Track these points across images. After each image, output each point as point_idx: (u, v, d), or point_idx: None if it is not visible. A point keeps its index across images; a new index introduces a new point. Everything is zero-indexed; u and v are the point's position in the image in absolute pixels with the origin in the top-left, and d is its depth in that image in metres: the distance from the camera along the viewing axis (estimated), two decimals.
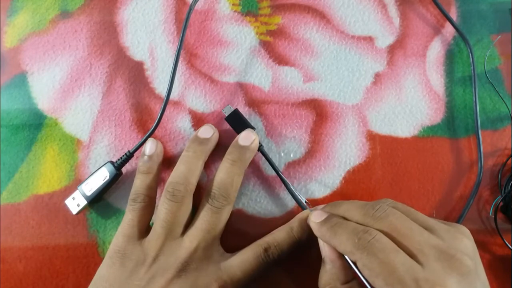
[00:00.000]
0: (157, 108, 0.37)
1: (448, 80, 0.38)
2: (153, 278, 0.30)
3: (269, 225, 0.35)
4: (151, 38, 0.39)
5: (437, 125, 0.37)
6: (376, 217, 0.27)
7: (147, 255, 0.31)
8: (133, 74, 0.38)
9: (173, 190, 0.31)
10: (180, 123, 0.37)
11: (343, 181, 0.36)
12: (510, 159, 0.36)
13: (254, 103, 0.38)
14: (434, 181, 0.36)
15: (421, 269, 0.24)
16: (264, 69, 0.38)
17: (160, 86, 0.38)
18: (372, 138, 0.37)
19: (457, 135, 0.37)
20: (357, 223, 0.28)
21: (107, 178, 0.34)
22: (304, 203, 0.34)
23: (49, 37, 0.39)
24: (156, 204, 0.34)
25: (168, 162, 0.36)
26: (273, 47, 0.39)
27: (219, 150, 0.36)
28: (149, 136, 0.35)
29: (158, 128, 0.36)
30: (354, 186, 0.36)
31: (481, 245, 0.35)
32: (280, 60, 0.39)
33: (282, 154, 0.37)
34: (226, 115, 0.35)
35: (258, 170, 0.36)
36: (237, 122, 0.35)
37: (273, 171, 0.35)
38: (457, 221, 0.35)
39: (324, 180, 0.36)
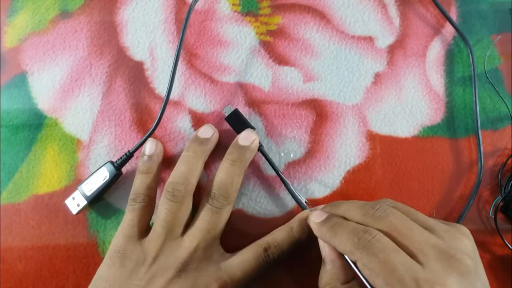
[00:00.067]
0: (157, 108, 0.37)
1: (448, 80, 0.38)
2: (153, 278, 0.30)
3: (269, 225, 0.35)
4: (151, 38, 0.39)
5: (437, 125, 0.37)
6: (376, 217, 0.27)
7: (147, 255, 0.31)
8: (133, 74, 0.38)
9: (173, 190, 0.31)
10: (180, 123, 0.37)
11: (343, 181, 0.36)
12: (510, 159, 0.36)
13: (254, 103, 0.38)
14: (434, 181, 0.36)
15: (421, 269, 0.24)
16: (264, 69, 0.38)
17: (160, 86, 0.38)
18: (372, 138, 0.37)
19: (457, 135, 0.37)
20: (357, 223, 0.28)
21: (107, 178, 0.34)
22: (304, 203, 0.34)
23: (49, 37, 0.39)
24: (156, 204, 0.34)
25: (168, 162, 0.36)
26: (273, 47, 0.39)
27: (219, 150, 0.36)
28: (149, 136, 0.35)
29: (158, 128, 0.36)
30: (354, 186, 0.36)
31: (481, 245, 0.35)
32: (280, 60, 0.39)
33: (282, 154, 0.37)
34: (226, 115, 0.35)
35: (258, 170, 0.36)
36: (237, 122, 0.35)
37: (273, 171, 0.35)
38: (457, 221, 0.35)
39: (324, 180, 0.36)
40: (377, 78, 0.38)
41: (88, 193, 0.34)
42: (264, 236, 0.33)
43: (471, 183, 0.36)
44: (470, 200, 0.35)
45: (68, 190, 0.36)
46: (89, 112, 0.37)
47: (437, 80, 0.38)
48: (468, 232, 0.27)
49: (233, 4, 0.40)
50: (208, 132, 0.34)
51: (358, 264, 0.26)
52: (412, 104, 0.38)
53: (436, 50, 0.39)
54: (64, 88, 0.38)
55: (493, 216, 0.35)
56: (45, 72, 0.38)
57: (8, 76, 0.38)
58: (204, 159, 0.34)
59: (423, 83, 0.38)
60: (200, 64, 0.38)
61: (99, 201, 0.36)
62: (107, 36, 0.39)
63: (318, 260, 0.30)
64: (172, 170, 0.33)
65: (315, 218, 0.30)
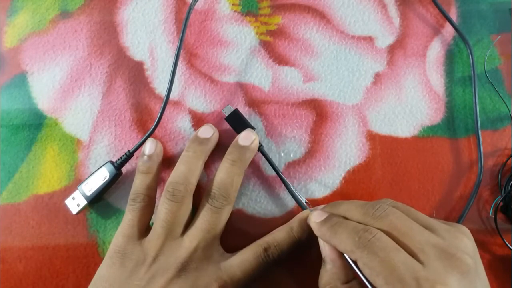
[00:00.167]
0: (157, 108, 0.37)
1: (448, 80, 0.38)
2: (153, 278, 0.30)
3: (269, 225, 0.35)
4: (151, 38, 0.39)
5: (437, 125, 0.37)
6: (376, 216, 0.27)
7: (147, 255, 0.31)
8: (133, 74, 0.38)
9: (173, 190, 0.31)
10: (180, 123, 0.37)
11: (343, 181, 0.36)
12: (510, 159, 0.36)
13: (254, 103, 0.38)
14: (434, 181, 0.36)
15: (422, 268, 0.24)
16: (264, 69, 0.38)
17: (160, 86, 0.38)
18: (372, 138, 0.37)
19: (457, 135, 0.37)
20: (358, 222, 0.28)
21: (107, 178, 0.34)
22: (304, 203, 0.34)
23: (49, 37, 0.39)
24: (156, 204, 0.34)
25: (168, 162, 0.36)
26: (273, 47, 0.39)
27: (219, 150, 0.36)
28: (149, 136, 0.35)
29: (158, 128, 0.36)
30: (354, 186, 0.36)
31: (481, 245, 0.35)
32: (280, 60, 0.39)
33: (282, 154, 0.37)
34: (226, 115, 0.35)
35: (258, 170, 0.36)
36: (237, 122, 0.35)
37: (273, 171, 0.35)
38: (457, 221, 0.35)
39: (324, 180, 0.36)
40: (377, 78, 0.38)
41: (88, 193, 0.34)
42: (264, 236, 0.33)
43: (471, 183, 0.36)
44: (470, 200, 0.35)
45: (68, 190, 0.36)
46: (89, 112, 0.37)
47: (437, 80, 0.38)
48: (468, 231, 0.27)
49: (233, 4, 0.40)
50: (208, 132, 0.34)
51: (358, 263, 0.26)
52: (412, 104, 0.38)
53: (436, 50, 0.39)
54: (64, 88, 0.38)
55: (493, 216, 0.35)
56: (45, 72, 0.38)
57: (8, 76, 0.38)
58: (204, 159, 0.34)
59: (423, 83, 0.38)
60: (200, 64, 0.38)
61: (99, 201, 0.36)
62: (107, 36, 0.39)
63: (318, 260, 0.30)
64: (172, 170, 0.33)
65: (315, 218, 0.30)
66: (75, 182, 0.36)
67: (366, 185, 0.36)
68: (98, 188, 0.34)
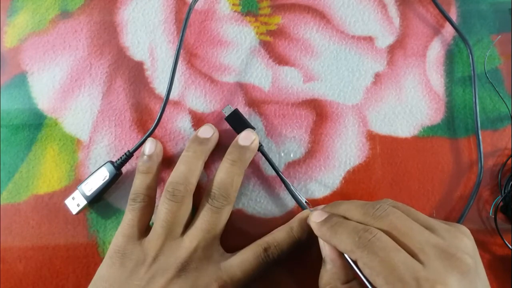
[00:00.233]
0: (157, 108, 0.37)
1: (448, 80, 0.38)
2: (153, 278, 0.30)
3: (269, 225, 0.35)
4: (151, 38, 0.39)
5: (437, 125, 0.37)
6: (376, 216, 0.27)
7: (147, 255, 0.31)
8: (133, 74, 0.38)
9: (173, 190, 0.31)
10: (180, 123, 0.37)
11: (343, 181, 0.36)
12: (510, 159, 0.36)
13: (254, 103, 0.38)
14: (434, 181, 0.36)
15: (422, 267, 0.24)
16: (264, 69, 0.38)
17: (160, 86, 0.38)
18: (372, 138, 0.37)
19: (457, 135, 0.37)
20: (358, 222, 0.28)
21: (107, 178, 0.34)
22: (304, 203, 0.34)
23: (49, 37, 0.39)
24: (156, 204, 0.34)
25: (168, 162, 0.36)
26: (273, 47, 0.39)
27: (219, 150, 0.36)
28: (149, 136, 0.35)
29: (158, 128, 0.36)
30: (354, 186, 0.36)
31: (481, 245, 0.35)
32: (280, 60, 0.39)
33: (282, 154, 0.37)
34: (226, 115, 0.35)
35: (258, 170, 0.36)
36: (237, 122, 0.35)
37: (273, 171, 0.35)
38: (458, 221, 0.35)
39: (324, 180, 0.36)
40: (377, 78, 0.38)
41: (88, 193, 0.34)
42: (264, 236, 0.33)
43: (471, 183, 0.36)
44: (470, 200, 0.35)
45: (68, 190, 0.36)
46: (89, 112, 0.37)
47: (437, 80, 0.38)
48: (468, 231, 0.27)
49: (233, 4, 0.40)
50: (208, 132, 0.34)
51: (358, 263, 0.26)
52: (412, 104, 0.38)
53: (436, 50, 0.39)
54: (64, 88, 0.38)
55: (493, 216, 0.35)
56: (45, 72, 0.38)
57: (8, 76, 0.38)
58: (204, 159, 0.34)
59: (423, 83, 0.38)
60: (200, 64, 0.38)
61: (99, 201, 0.36)
62: (107, 36, 0.39)
63: (318, 260, 0.30)
64: (172, 170, 0.33)
65: (316, 218, 0.30)
66: (75, 182, 0.36)
67: (366, 185, 0.36)
68: (98, 188, 0.34)
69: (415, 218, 0.27)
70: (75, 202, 0.34)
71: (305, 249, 0.34)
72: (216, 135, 0.35)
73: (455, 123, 0.38)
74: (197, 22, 0.39)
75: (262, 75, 0.38)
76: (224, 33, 0.39)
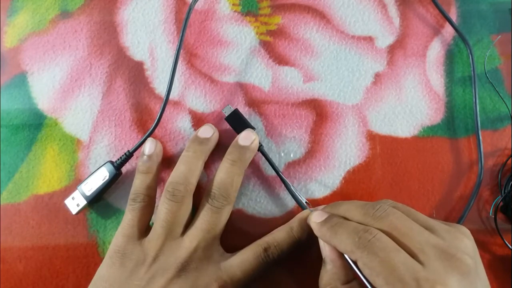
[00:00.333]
0: (157, 108, 0.37)
1: (448, 80, 0.38)
2: (153, 278, 0.30)
3: (269, 225, 0.35)
4: (151, 38, 0.39)
5: (437, 125, 0.37)
6: (376, 216, 0.27)
7: (147, 255, 0.31)
8: (133, 74, 0.38)
9: (173, 190, 0.31)
10: (180, 123, 0.37)
11: (343, 181, 0.36)
12: (510, 159, 0.36)
13: (254, 103, 0.38)
14: (434, 181, 0.36)
15: (422, 268, 0.24)
16: (264, 69, 0.38)
17: (160, 86, 0.38)
18: (372, 138, 0.37)
19: (457, 135, 0.37)
20: (358, 222, 0.28)
21: (107, 178, 0.34)
22: (304, 203, 0.34)
23: (49, 37, 0.39)
24: (156, 204, 0.34)
25: (168, 162, 0.36)
26: (273, 47, 0.39)
27: (219, 150, 0.36)
28: (149, 136, 0.35)
29: (158, 128, 0.36)
30: (354, 186, 0.36)
31: (481, 245, 0.35)
32: (280, 60, 0.39)
33: (282, 154, 0.37)
34: (226, 115, 0.35)
35: (258, 170, 0.36)
36: (237, 122, 0.35)
37: (273, 171, 0.35)
38: (458, 221, 0.35)
39: (324, 180, 0.36)
40: (377, 78, 0.38)
41: (88, 193, 0.34)
42: (264, 236, 0.33)
43: (471, 183, 0.36)
44: (471, 200, 0.35)
45: (68, 190, 0.36)
46: (89, 112, 0.37)
47: (437, 80, 0.38)
48: (468, 232, 0.27)
49: (233, 4, 0.40)
50: (208, 132, 0.34)
51: (358, 264, 0.26)
52: (412, 104, 0.38)
53: (436, 50, 0.39)
54: (64, 88, 0.38)
55: (493, 216, 0.35)
56: (45, 72, 0.38)
57: (8, 76, 0.38)
58: (204, 159, 0.34)
59: (423, 83, 0.38)
60: (200, 64, 0.38)
61: (99, 201, 0.36)
62: (107, 36, 0.39)
63: (318, 260, 0.30)
64: (172, 170, 0.33)
65: (316, 218, 0.30)
66: (75, 182, 0.36)
67: (366, 185, 0.36)
68: (97, 188, 0.34)
69: (415, 219, 0.27)
70: (75, 202, 0.34)
71: (305, 249, 0.34)
72: (216, 135, 0.35)
73: (455, 123, 0.38)
74: (197, 22, 0.39)
75: (262, 75, 0.38)
76: (224, 33, 0.39)
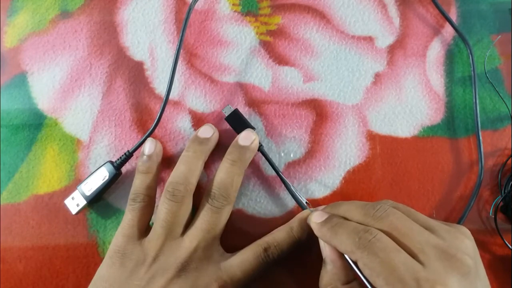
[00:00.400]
0: (157, 108, 0.37)
1: (448, 80, 0.38)
2: (153, 278, 0.30)
3: (269, 225, 0.35)
4: (151, 38, 0.39)
5: (437, 125, 0.37)
6: (376, 217, 0.27)
7: (147, 255, 0.31)
8: (133, 74, 0.38)
9: (173, 190, 0.31)
10: (180, 123, 0.37)
11: (343, 181, 0.36)
12: (510, 159, 0.36)
13: (254, 103, 0.38)
14: (434, 181, 0.36)
15: (422, 268, 0.24)
16: (264, 69, 0.38)
17: (160, 86, 0.38)
18: (372, 138, 0.37)
19: (457, 135, 0.37)
20: (358, 223, 0.28)
21: (107, 178, 0.34)
22: (304, 203, 0.34)
23: (49, 37, 0.39)
24: (156, 204, 0.34)
25: (168, 162, 0.36)
26: (273, 47, 0.39)
27: (219, 150, 0.36)
28: (149, 136, 0.35)
29: (158, 128, 0.36)
30: (354, 186, 0.36)
31: (481, 245, 0.35)
32: (280, 60, 0.39)
33: (282, 154, 0.37)
34: (226, 115, 0.35)
35: (258, 170, 0.36)
36: (237, 122, 0.35)
37: (273, 171, 0.35)
38: (458, 222, 0.35)
39: (324, 180, 0.36)
40: (377, 78, 0.38)
41: (88, 193, 0.34)
42: (264, 236, 0.33)
43: (471, 183, 0.36)
44: (471, 200, 0.35)
45: (68, 190, 0.36)
46: (89, 112, 0.37)
47: (437, 80, 0.38)
48: (468, 232, 0.27)
49: (233, 4, 0.40)
50: (208, 132, 0.34)
51: (358, 264, 0.26)
52: (412, 104, 0.38)
53: (436, 50, 0.39)
54: (64, 88, 0.38)
55: (493, 216, 0.35)
56: (45, 72, 0.38)
57: (8, 76, 0.38)
58: (204, 159, 0.34)
59: (423, 83, 0.38)
60: (200, 64, 0.38)
61: (99, 201, 0.36)
62: (107, 36, 0.39)
63: (318, 260, 0.30)
64: (172, 170, 0.33)
65: (316, 218, 0.30)
66: (75, 182, 0.36)
67: (366, 185, 0.36)
68: (97, 188, 0.34)
69: (415, 219, 0.27)
70: (75, 202, 0.34)
71: (305, 249, 0.34)
72: (216, 135, 0.35)
73: (455, 123, 0.38)
74: (197, 22, 0.39)
75: (262, 75, 0.38)
76: (224, 33, 0.39)
